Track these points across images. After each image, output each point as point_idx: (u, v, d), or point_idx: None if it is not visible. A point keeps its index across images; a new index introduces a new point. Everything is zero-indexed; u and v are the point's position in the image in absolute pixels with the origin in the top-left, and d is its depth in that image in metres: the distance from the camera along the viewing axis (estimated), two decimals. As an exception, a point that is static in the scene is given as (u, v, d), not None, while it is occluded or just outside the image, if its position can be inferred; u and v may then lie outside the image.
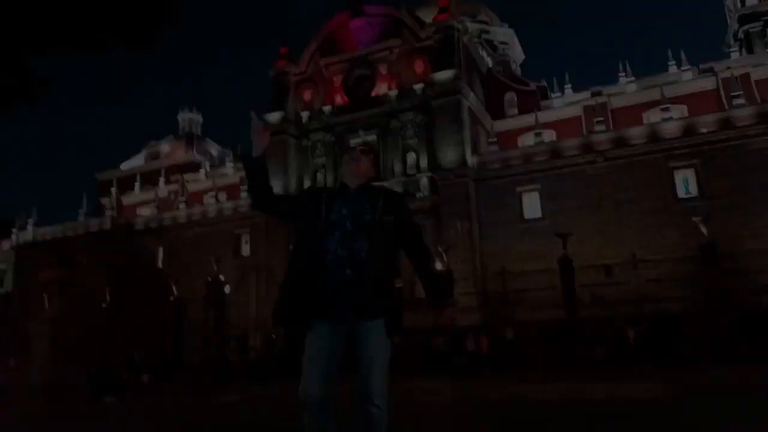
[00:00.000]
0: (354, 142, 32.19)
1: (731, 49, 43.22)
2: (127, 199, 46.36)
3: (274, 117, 36.90)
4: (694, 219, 23.06)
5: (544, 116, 35.17)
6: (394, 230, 3.12)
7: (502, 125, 36.22)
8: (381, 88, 35.55)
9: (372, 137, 33.84)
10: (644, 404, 6.43)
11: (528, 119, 35.23)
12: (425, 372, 19.80)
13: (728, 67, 33.57)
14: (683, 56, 36.04)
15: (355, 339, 2.95)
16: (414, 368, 19.97)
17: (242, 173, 42.48)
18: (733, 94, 30.07)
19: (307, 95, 37.90)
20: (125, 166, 52.63)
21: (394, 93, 34.80)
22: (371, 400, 2.84)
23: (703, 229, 21.56)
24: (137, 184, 46.89)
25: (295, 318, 3.05)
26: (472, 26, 45.01)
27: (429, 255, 3.31)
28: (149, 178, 47.56)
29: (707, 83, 33.71)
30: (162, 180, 46.18)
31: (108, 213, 42.23)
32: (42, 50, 11.41)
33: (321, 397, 2.85)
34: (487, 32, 49.81)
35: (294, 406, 2.92)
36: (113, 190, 44.82)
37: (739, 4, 46.68)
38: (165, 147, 53.19)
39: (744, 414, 4.95)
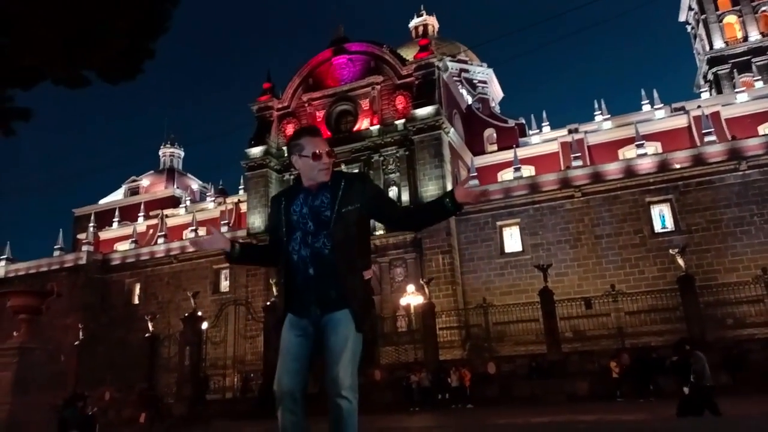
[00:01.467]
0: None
1: (701, 90, 44.85)
2: (105, 234, 45.64)
3: (256, 151, 37.07)
4: (671, 251, 23.37)
5: (522, 152, 35.81)
6: (359, 218, 3.02)
7: (482, 160, 36.78)
8: (363, 123, 36.01)
9: (354, 171, 34.06)
10: (630, 426, 6.40)
11: (507, 155, 35.83)
12: (407, 409, 19.43)
13: (699, 106, 34.74)
14: (656, 96, 37.24)
15: (323, 332, 2.91)
16: (395, 405, 19.59)
17: (222, 208, 42.32)
18: (704, 131, 31.00)
19: (289, 129, 38.17)
20: (104, 201, 52.00)
21: (376, 128, 35.25)
22: (340, 393, 2.76)
23: (680, 262, 21.80)
24: (116, 220, 46.26)
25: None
26: (452, 65, 46.09)
27: (412, 207, 3.17)
28: (128, 214, 46.98)
29: (679, 121, 34.79)
30: (141, 215, 45.63)
31: (84, 248, 41.44)
32: (22, 83, 11.38)
33: (294, 390, 2.84)
34: (467, 71, 51.08)
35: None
36: (90, 225, 44.14)
37: (707, 47, 48.62)
38: (145, 182, 52.80)
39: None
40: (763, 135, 30.31)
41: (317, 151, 3.03)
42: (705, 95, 40.96)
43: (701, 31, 50.41)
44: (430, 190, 32.14)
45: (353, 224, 2.99)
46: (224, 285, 37.17)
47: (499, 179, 35.40)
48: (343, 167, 34.26)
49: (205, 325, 25.06)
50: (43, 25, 9.28)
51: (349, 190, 3.01)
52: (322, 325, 2.92)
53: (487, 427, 8.92)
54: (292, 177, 36.58)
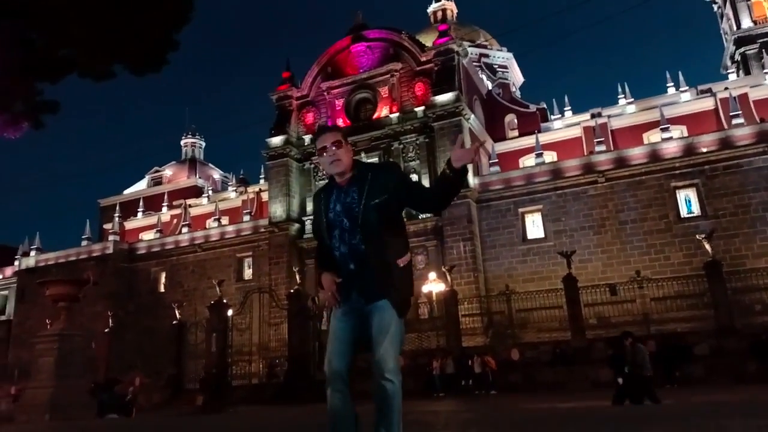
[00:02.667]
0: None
1: (729, 71, 43.75)
2: (130, 224, 46.48)
3: (276, 140, 37.27)
4: (697, 237, 23.02)
5: (544, 138, 35.43)
6: (388, 209, 3.11)
7: (503, 147, 36.48)
8: (383, 111, 35.92)
9: (374, 159, 34.07)
10: (655, 413, 6.41)
11: (529, 141, 35.49)
12: (430, 395, 19.56)
13: (726, 88, 33.93)
14: (681, 78, 36.42)
15: (367, 319, 3.09)
16: (416, 391, 19.73)
17: (243, 197, 42.72)
18: (732, 113, 30.30)
19: (309, 118, 38.29)
20: (128, 191, 52.90)
21: (395, 115, 35.14)
22: (384, 375, 2.93)
23: (707, 247, 21.46)
24: (140, 210, 47.06)
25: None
26: (472, 50, 45.64)
27: (431, 189, 3.19)
28: (152, 204, 47.76)
29: (706, 104, 34.04)
30: (165, 205, 46.35)
31: (111, 238, 42.28)
32: (50, 76, 11.62)
33: (342, 371, 3.04)
34: (487, 56, 50.53)
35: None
36: (116, 215, 44.99)
37: (735, 27, 47.36)
38: (168, 172, 53.52)
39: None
40: (793, 117, 29.53)
41: (324, 145, 3.19)
42: (732, 76, 39.98)
43: (728, 10, 49.08)
44: (450, 177, 32.01)
45: (383, 215, 3.09)
46: (248, 273, 37.64)
47: (521, 165, 35.11)
48: (362, 155, 34.26)
49: (230, 313, 25.43)
50: (79, 20, 9.46)
51: (375, 183, 3.13)
52: (366, 312, 3.09)
53: (518, 411, 8.97)
54: (312, 166, 36.79)
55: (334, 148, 3.16)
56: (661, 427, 5.00)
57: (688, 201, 28.66)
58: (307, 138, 37.53)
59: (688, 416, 5.92)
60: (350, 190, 3.16)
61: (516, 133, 38.70)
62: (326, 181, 3.42)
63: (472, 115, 34.41)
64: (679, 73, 36.68)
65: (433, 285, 26.47)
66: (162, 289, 39.70)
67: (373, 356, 2.98)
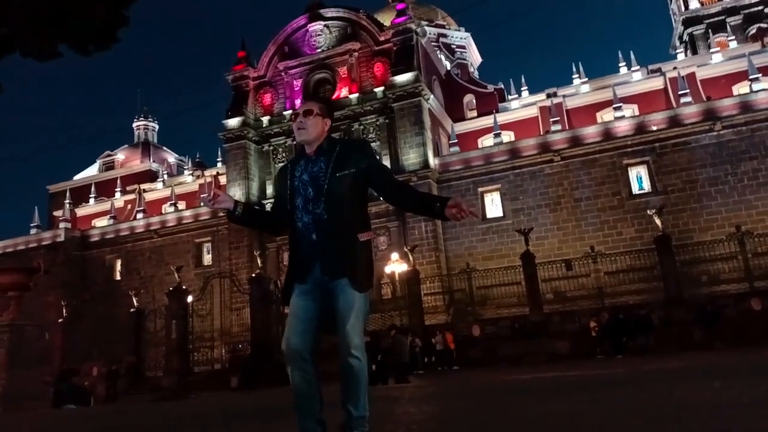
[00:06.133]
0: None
1: (677, 51, 45.14)
2: (82, 211, 44.89)
3: (233, 122, 36.48)
4: (648, 212, 23.89)
5: (502, 118, 35.86)
6: (354, 183, 3.09)
7: (462, 127, 36.76)
8: (342, 92, 35.57)
9: (353, 138, 33.78)
10: (612, 379, 6.71)
11: (487, 121, 35.86)
12: (392, 374, 19.78)
13: (675, 68, 35.02)
14: (633, 58, 37.36)
15: (330, 297, 3.03)
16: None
17: (200, 181, 41.82)
18: (680, 92, 31.33)
19: (266, 99, 37.60)
20: (79, 177, 50.93)
21: (355, 96, 34.87)
22: (350, 352, 2.92)
23: (657, 222, 22.32)
24: (92, 196, 45.45)
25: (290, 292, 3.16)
26: (430, 30, 45.56)
27: (407, 186, 3.24)
28: (104, 189, 46.14)
29: (656, 83, 35.08)
30: (118, 190, 44.88)
31: (62, 225, 40.76)
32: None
33: (302, 350, 2.96)
34: (445, 36, 50.56)
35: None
36: (67, 201, 43.32)
37: (683, 8, 48.77)
38: (120, 156, 51.72)
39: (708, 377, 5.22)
40: (737, 95, 30.76)
41: (297, 112, 3.21)
42: (681, 56, 41.26)
43: (677, -9, 50.44)
44: (411, 158, 32.12)
45: (348, 189, 3.07)
46: (207, 258, 37.02)
47: (480, 145, 35.50)
48: (322, 137, 33.86)
49: (190, 299, 25.00)
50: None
51: (343, 156, 3.11)
52: (330, 289, 3.02)
53: (477, 383, 9.21)
54: (270, 148, 36.23)
55: (304, 117, 3.17)
56: (621, 389, 5.23)
57: (639, 178, 29.64)
58: (265, 119, 36.89)
59: (636, 381, 6.20)
60: (318, 160, 3.13)
61: (475, 113, 39.03)
62: (284, 162, 3.40)
63: (432, 96, 34.48)
64: (631, 52, 37.69)
65: (396, 265, 26.64)
66: (118, 277, 38.69)
67: (339, 333, 2.95)
